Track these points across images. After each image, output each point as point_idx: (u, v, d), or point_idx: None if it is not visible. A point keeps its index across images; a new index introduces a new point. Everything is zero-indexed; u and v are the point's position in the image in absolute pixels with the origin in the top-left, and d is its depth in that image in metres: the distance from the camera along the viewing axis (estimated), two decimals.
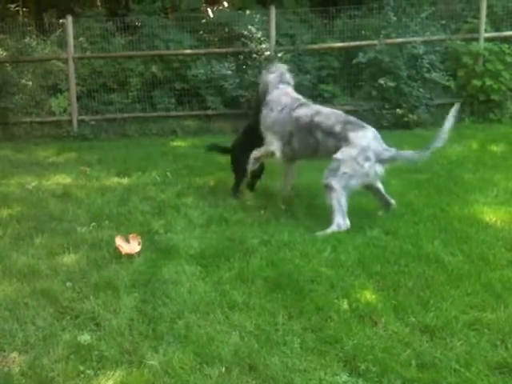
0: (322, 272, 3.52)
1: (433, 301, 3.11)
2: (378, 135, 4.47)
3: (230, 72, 9.48)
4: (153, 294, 3.29)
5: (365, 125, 4.51)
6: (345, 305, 3.12)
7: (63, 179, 6.18)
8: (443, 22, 10.13)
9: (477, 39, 9.39)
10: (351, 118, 4.60)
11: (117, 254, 3.83)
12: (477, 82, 9.07)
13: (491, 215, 4.41)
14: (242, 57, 9.64)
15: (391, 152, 4.40)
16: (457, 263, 3.58)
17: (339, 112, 4.75)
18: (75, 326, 3.00)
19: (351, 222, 4.34)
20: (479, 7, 9.45)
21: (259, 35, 9.54)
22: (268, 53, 9.38)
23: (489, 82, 8.99)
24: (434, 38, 9.48)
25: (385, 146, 4.45)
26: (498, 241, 3.91)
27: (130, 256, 3.79)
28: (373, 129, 4.50)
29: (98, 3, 13.68)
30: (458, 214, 4.49)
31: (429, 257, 3.67)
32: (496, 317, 2.93)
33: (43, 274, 3.62)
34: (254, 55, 9.44)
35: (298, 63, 9.47)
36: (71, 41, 9.47)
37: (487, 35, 9.43)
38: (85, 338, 2.86)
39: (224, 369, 2.59)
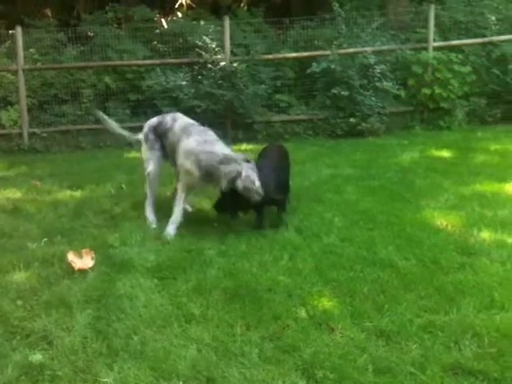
0: (280, 280, 3.52)
1: (388, 305, 3.15)
2: None
3: (185, 82, 9.45)
4: (107, 309, 3.22)
5: None
6: (302, 313, 3.13)
7: (13, 194, 5.99)
8: (393, 32, 10.41)
9: (426, 49, 9.68)
10: None
11: (69, 270, 3.73)
12: (426, 91, 9.34)
13: (442, 220, 4.52)
14: (197, 67, 9.63)
15: None
16: (410, 267, 3.65)
17: None
18: (26, 345, 2.89)
19: (308, 229, 4.38)
20: (427, 18, 9.76)
21: (214, 45, 9.57)
22: (223, 63, 9.40)
23: (438, 91, 9.27)
24: (385, 47, 9.73)
25: None
26: (449, 244, 4.01)
27: (83, 271, 3.70)
28: None
29: (49, 14, 13.43)
30: (410, 219, 4.59)
31: (383, 262, 3.73)
32: (449, 319, 3.00)
33: None
34: (209, 65, 9.45)
35: (253, 73, 9.54)
36: (21, 52, 9.25)
37: (436, 44, 9.73)
38: (36, 357, 2.76)
39: (181, 383, 2.55)
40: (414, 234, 4.22)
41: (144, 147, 4.94)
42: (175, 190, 4.88)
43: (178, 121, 4.82)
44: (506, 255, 3.81)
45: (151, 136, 4.87)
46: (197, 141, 4.49)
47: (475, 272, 3.57)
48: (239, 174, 4.26)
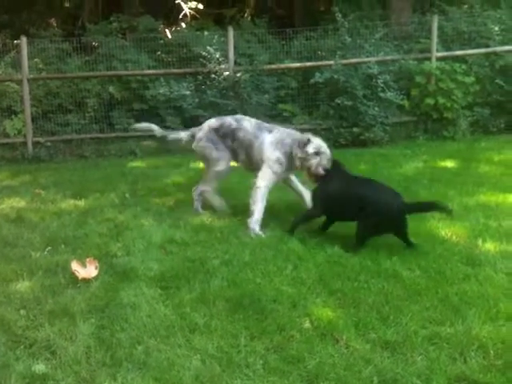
0: (284, 291, 3.51)
1: (392, 316, 3.13)
2: None
3: (188, 92, 9.49)
4: (111, 319, 3.20)
5: None
6: (307, 323, 3.11)
7: (17, 203, 5.99)
8: (396, 42, 10.45)
9: (429, 59, 9.70)
10: None
11: (73, 279, 3.72)
12: (430, 101, 9.35)
13: (447, 230, 4.51)
14: (200, 77, 9.68)
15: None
16: (415, 278, 3.63)
17: None
18: (29, 355, 2.88)
19: (313, 240, 4.36)
20: (431, 28, 9.80)
21: (218, 55, 9.61)
22: (227, 73, 9.44)
23: (441, 101, 9.28)
24: (388, 58, 9.76)
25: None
26: (454, 255, 3.99)
27: (86, 281, 3.69)
28: None
29: (54, 24, 13.52)
30: (414, 229, 4.54)
31: (387, 272, 3.72)
32: (454, 330, 2.98)
33: None
34: (213, 75, 9.50)
35: (256, 83, 9.57)
36: (25, 62, 9.29)
37: (439, 55, 9.76)
38: (40, 367, 2.75)
39: None
40: (419, 245, 4.20)
41: (204, 146, 5.17)
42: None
43: (244, 121, 5.14)
44: (511, 266, 3.79)
45: (214, 136, 5.13)
46: (277, 134, 4.95)
47: (480, 283, 3.55)
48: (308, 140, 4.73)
